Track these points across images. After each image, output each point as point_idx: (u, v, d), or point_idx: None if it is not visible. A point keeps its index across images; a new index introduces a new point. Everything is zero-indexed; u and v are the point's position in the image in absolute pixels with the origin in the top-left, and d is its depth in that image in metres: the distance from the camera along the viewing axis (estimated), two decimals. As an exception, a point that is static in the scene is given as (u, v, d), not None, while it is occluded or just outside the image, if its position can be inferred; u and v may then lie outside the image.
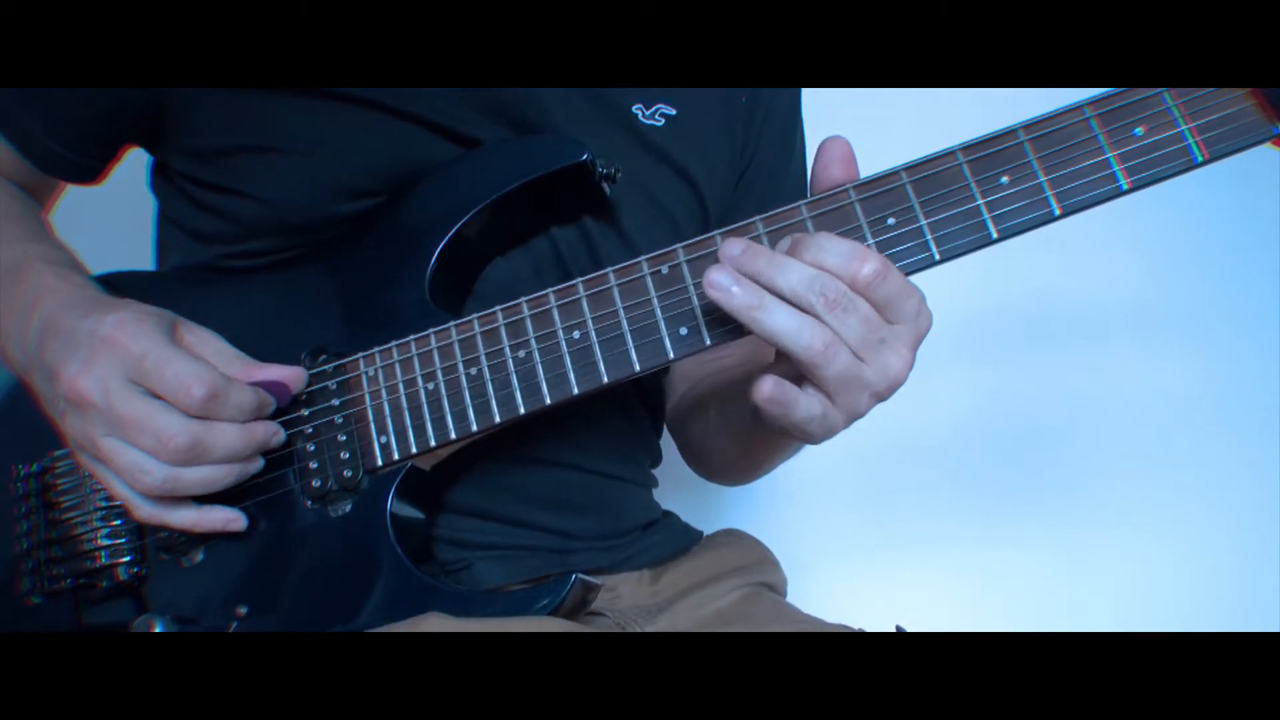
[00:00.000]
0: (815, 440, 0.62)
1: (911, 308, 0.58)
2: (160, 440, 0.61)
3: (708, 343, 0.62)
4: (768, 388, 0.57)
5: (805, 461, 0.88)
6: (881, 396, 0.59)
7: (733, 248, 0.58)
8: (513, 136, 0.74)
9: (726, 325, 0.62)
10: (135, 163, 0.81)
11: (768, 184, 0.84)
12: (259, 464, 0.67)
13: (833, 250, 0.57)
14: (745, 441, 0.79)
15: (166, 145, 0.76)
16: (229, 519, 0.67)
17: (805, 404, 0.58)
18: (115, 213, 1.02)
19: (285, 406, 0.69)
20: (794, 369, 0.58)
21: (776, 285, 0.57)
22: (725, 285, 0.57)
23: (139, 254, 0.88)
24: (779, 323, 0.57)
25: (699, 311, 0.63)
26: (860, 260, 0.56)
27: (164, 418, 0.61)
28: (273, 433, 0.67)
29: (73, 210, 0.89)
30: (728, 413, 0.80)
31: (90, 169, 0.78)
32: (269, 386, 0.67)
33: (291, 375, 0.68)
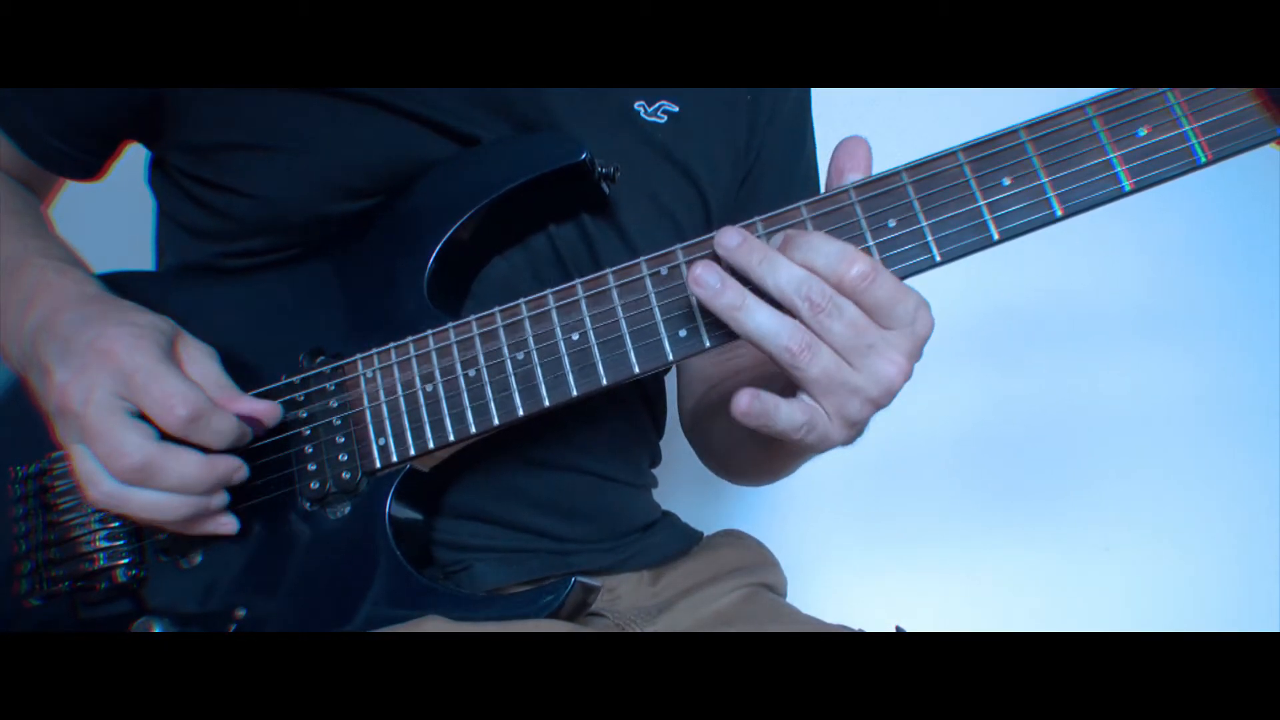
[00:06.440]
0: (816, 450, 0.62)
1: (905, 312, 0.57)
2: (112, 455, 0.61)
3: (707, 345, 0.62)
4: (744, 402, 0.57)
5: (806, 462, 0.87)
6: (877, 404, 0.59)
7: (730, 238, 0.58)
8: (512, 135, 0.73)
9: (727, 327, 0.62)
10: (135, 159, 0.81)
11: (776, 181, 0.84)
12: (223, 499, 0.66)
13: (822, 250, 0.56)
14: (766, 443, 0.77)
15: (164, 141, 0.75)
16: (221, 522, 0.66)
17: (787, 413, 0.58)
18: (115, 209, 1.02)
19: (261, 436, 0.68)
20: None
21: (765, 284, 0.57)
22: (711, 284, 0.57)
23: (138, 250, 0.87)
24: (759, 323, 0.57)
25: (698, 313, 0.62)
26: (849, 263, 0.56)
27: (124, 433, 0.61)
28: (235, 468, 0.65)
29: (73, 206, 0.89)
30: None
31: (89, 165, 0.78)
32: (245, 419, 0.66)
33: (268, 411, 0.67)
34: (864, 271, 0.56)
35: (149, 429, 0.62)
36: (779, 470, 0.84)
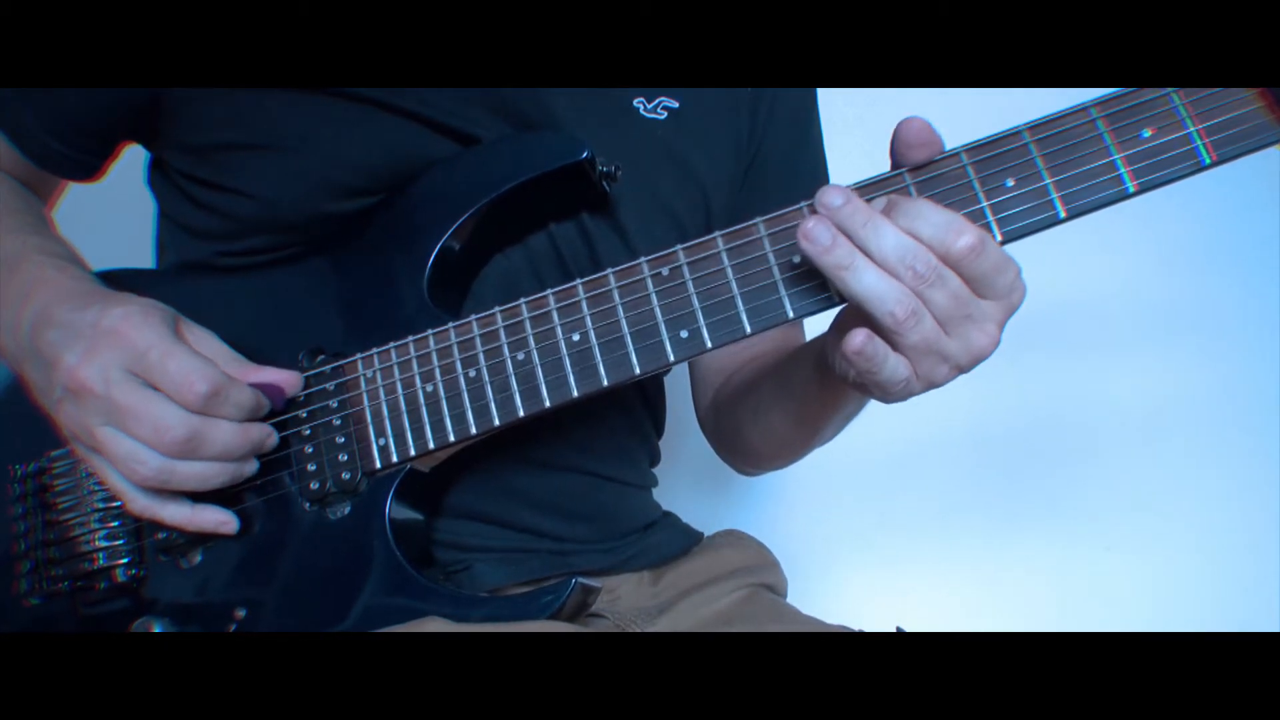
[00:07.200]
0: (888, 400, 0.61)
1: (1005, 283, 0.56)
2: (158, 430, 0.61)
3: (708, 345, 0.62)
4: (860, 340, 0.56)
5: (806, 462, 0.87)
6: (963, 369, 0.58)
7: (834, 198, 0.56)
8: (512, 133, 0.73)
9: (728, 328, 0.62)
10: (135, 159, 0.81)
11: (780, 176, 0.83)
12: (254, 466, 0.67)
13: (929, 219, 0.55)
14: (807, 408, 0.76)
15: (162, 141, 0.75)
16: (221, 520, 0.67)
17: (893, 365, 0.57)
18: (115, 209, 1.02)
19: (280, 409, 0.68)
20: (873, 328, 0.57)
21: (868, 247, 0.56)
22: (821, 239, 0.56)
23: (139, 250, 0.87)
24: (866, 285, 0.55)
25: (700, 314, 0.62)
26: (956, 233, 0.55)
27: (163, 409, 0.61)
28: (267, 434, 0.67)
29: (74, 206, 0.89)
30: (788, 385, 0.77)
31: (88, 165, 0.78)
32: (265, 389, 0.66)
33: (288, 379, 0.68)
34: (971, 244, 0.55)
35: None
36: (808, 442, 0.82)
